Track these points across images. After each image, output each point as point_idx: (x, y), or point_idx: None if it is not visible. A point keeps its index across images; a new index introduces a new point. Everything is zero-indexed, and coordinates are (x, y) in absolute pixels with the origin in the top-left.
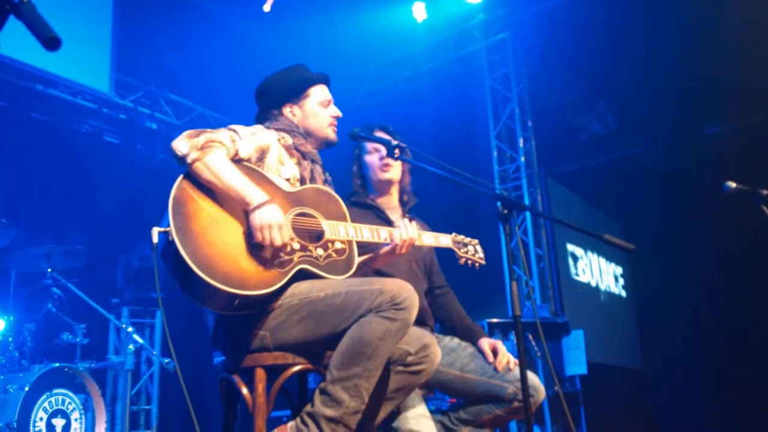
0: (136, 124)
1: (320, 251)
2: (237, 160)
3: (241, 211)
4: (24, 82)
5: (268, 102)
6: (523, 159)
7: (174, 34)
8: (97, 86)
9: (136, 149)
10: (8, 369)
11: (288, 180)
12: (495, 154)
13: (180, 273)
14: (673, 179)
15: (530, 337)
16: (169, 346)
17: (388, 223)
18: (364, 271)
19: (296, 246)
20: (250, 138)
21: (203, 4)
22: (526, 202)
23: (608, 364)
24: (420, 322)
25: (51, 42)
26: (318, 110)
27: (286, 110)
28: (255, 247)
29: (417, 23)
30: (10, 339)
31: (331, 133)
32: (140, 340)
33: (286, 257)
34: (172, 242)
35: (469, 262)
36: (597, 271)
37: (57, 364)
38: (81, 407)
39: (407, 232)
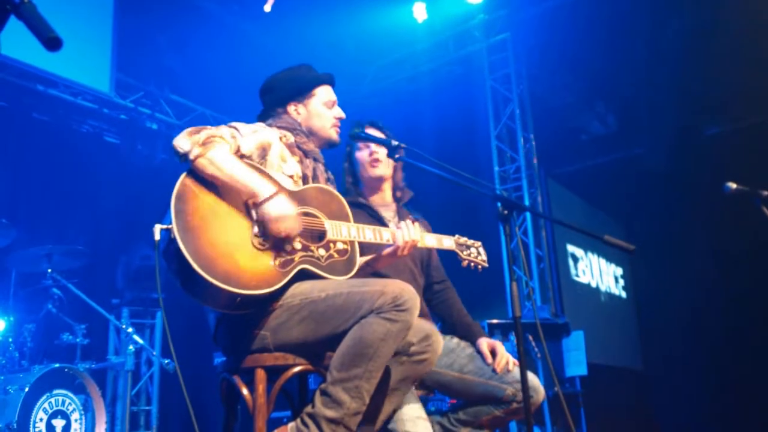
0: (136, 125)
1: (322, 251)
2: (239, 157)
3: (244, 209)
4: (24, 82)
5: (273, 99)
6: (523, 159)
7: (174, 35)
8: (98, 86)
9: (137, 149)
10: (8, 369)
11: (291, 177)
12: (495, 154)
13: (181, 271)
14: (673, 180)
15: (530, 337)
16: (169, 346)
17: (381, 222)
18: (364, 271)
19: (298, 246)
20: (251, 135)
21: (203, 4)
22: (527, 202)
23: (608, 365)
24: None
25: (52, 42)
26: (322, 110)
27: (291, 108)
28: (257, 246)
29: (417, 23)
30: (10, 339)
31: (333, 134)
32: (140, 341)
33: (288, 256)
34: (174, 240)
35: (472, 264)
36: (597, 272)
37: (57, 365)
38: (81, 408)
39: (410, 233)
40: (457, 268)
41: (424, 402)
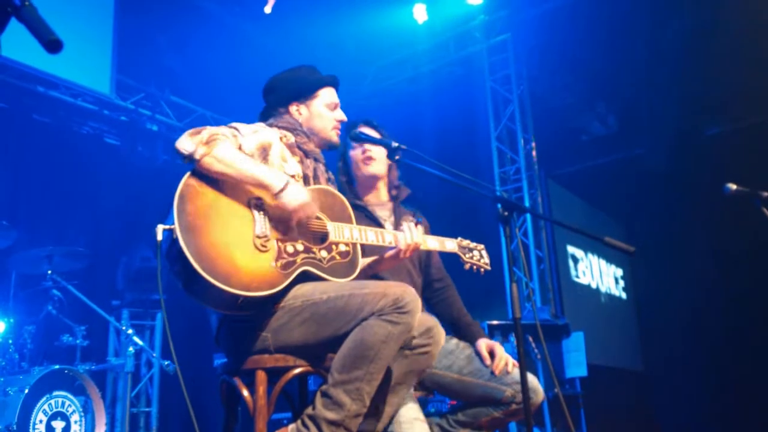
0: (136, 126)
1: (324, 253)
2: None
3: (247, 209)
4: (25, 83)
5: (275, 99)
6: (523, 160)
7: (175, 36)
8: (98, 88)
9: (137, 151)
10: (8, 371)
11: (293, 177)
12: (495, 155)
13: (183, 272)
14: (673, 180)
15: (530, 339)
16: (170, 347)
17: (377, 223)
18: (365, 273)
19: (300, 247)
20: (252, 135)
21: (204, 5)
22: (527, 203)
23: (608, 366)
24: None
25: (52, 45)
26: (324, 112)
27: (293, 109)
28: (259, 247)
29: (418, 24)
30: (10, 341)
31: (334, 136)
32: (140, 342)
33: (290, 258)
34: (176, 241)
35: (474, 267)
36: (597, 273)
37: (57, 367)
38: (81, 409)
39: (412, 236)
40: (457, 269)
41: (424, 403)
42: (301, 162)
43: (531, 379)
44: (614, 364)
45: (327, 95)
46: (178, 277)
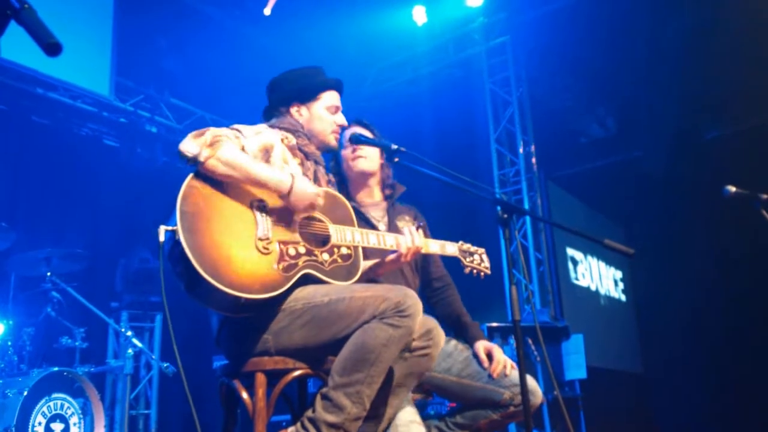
0: (136, 128)
1: (326, 256)
2: None
3: (249, 212)
4: (24, 85)
5: (278, 98)
6: (523, 163)
7: (174, 38)
8: (97, 90)
9: (136, 153)
10: (7, 373)
11: None
12: (495, 157)
13: (185, 274)
14: (673, 182)
15: (530, 341)
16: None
17: (370, 225)
18: (365, 276)
19: (302, 250)
20: (254, 137)
21: (204, 7)
22: (526, 206)
23: (608, 369)
24: None
25: (52, 48)
26: (324, 115)
27: (293, 109)
28: (261, 250)
29: (417, 27)
30: (9, 343)
31: (332, 140)
32: (139, 344)
33: (292, 261)
34: (179, 242)
35: (474, 271)
36: (597, 275)
37: (56, 369)
38: (80, 411)
39: (413, 240)
40: (456, 271)
41: (423, 406)
42: (302, 164)
43: (529, 381)
44: (614, 367)
45: (329, 98)
46: (180, 278)
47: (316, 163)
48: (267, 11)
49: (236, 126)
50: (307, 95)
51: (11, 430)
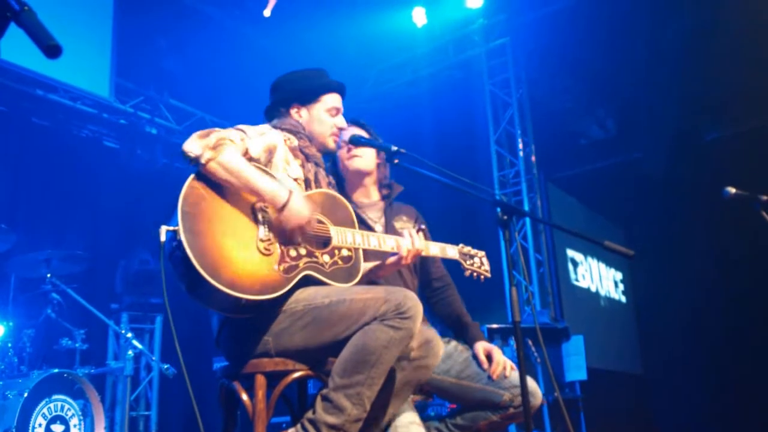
0: (136, 129)
1: (327, 258)
2: (247, 160)
3: (250, 213)
4: (24, 86)
5: (279, 98)
6: (522, 164)
7: (174, 39)
8: (97, 91)
9: (136, 154)
10: (7, 375)
11: (296, 180)
12: (495, 159)
13: (186, 274)
14: (673, 184)
15: (530, 342)
16: (175, 347)
17: (366, 226)
18: (365, 277)
19: (303, 251)
20: (259, 138)
21: (204, 8)
22: (526, 207)
23: (608, 370)
24: None
25: (52, 50)
26: (324, 117)
27: (293, 110)
28: (262, 251)
29: (417, 28)
30: (10, 345)
31: (330, 143)
32: (139, 346)
33: (292, 262)
34: (180, 242)
35: (475, 274)
36: (597, 277)
37: (56, 370)
38: (80, 413)
39: (414, 243)
40: (456, 273)
41: (424, 407)
42: (303, 166)
43: (529, 382)
44: (614, 368)
45: (330, 100)
46: (181, 278)
47: (317, 165)
48: (267, 13)
49: (241, 126)
50: (308, 97)
51: None
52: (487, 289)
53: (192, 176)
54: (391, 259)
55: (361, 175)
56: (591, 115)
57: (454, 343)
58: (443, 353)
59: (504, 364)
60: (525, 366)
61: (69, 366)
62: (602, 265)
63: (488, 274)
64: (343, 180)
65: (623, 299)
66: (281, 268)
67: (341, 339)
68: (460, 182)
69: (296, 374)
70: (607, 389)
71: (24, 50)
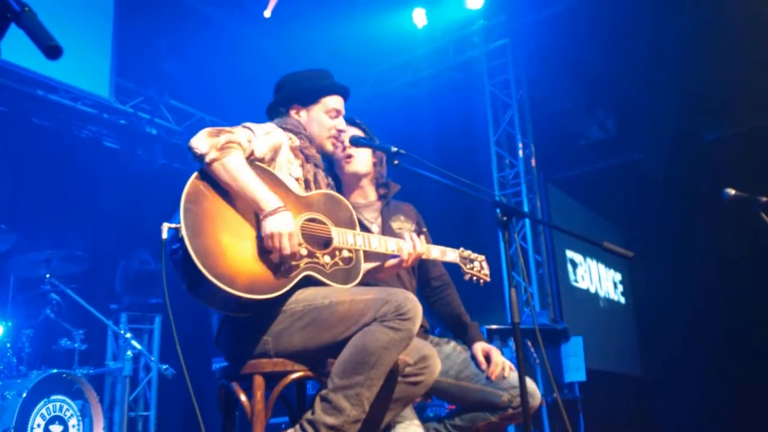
0: (136, 130)
1: (327, 258)
2: (251, 160)
3: (253, 214)
4: (24, 87)
5: (280, 98)
6: (522, 165)
7: (174, 40)
8: (98, 91)
9: (136, 154)
10: (6, 375)
11: (297, 180)
12: (494, 160)
13: (187, 272)
14: (673, 185)
15: (529, 343)
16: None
17: (363, 228)
18: (365, 278)
19: (303, 252)
20: (265, 137)
21: (204, 9)
22: (526, 208)
23: (607, 371)
24: None
25: (52, 51)
26: (323, 118)
27: (293, 111)
28: (263, 251)
29: (417, 29)
30: (8, 345)
31: (328, 145)
32: (138, 346)
33: (293, 263)
34: (181, 240)
35: (474, 278)
36: (596, 278)
37: (55, 370)
38: (79, 413)
39: (415, 246)
40: (456, 274)
41: (423, 408)
42: (302, 166)
43: (528, 383)
44: (613, 369)
45: (330, 102)
46: (182, 279)
47: (316, 165)
48: (267, 13)
49: (248, 124)
50: (309, 98)
51: None
52: (487, 290)
53: (195, 174)
54: (392, 262)
55: (358, 176)
56: (591, 115)
57: (452, 343)
58: (442, 354)
59: (503, 364)
60: (524, 367)
61: (68, 366)
62: (602, 266)
63: (488, 279)
64: (339, 181)
65: (623, 300)
66: (282, 268)
67: (341, 340)
68: (460, 183)
69: (295, 375)
70: (606, 390)
71: (24, 51)
